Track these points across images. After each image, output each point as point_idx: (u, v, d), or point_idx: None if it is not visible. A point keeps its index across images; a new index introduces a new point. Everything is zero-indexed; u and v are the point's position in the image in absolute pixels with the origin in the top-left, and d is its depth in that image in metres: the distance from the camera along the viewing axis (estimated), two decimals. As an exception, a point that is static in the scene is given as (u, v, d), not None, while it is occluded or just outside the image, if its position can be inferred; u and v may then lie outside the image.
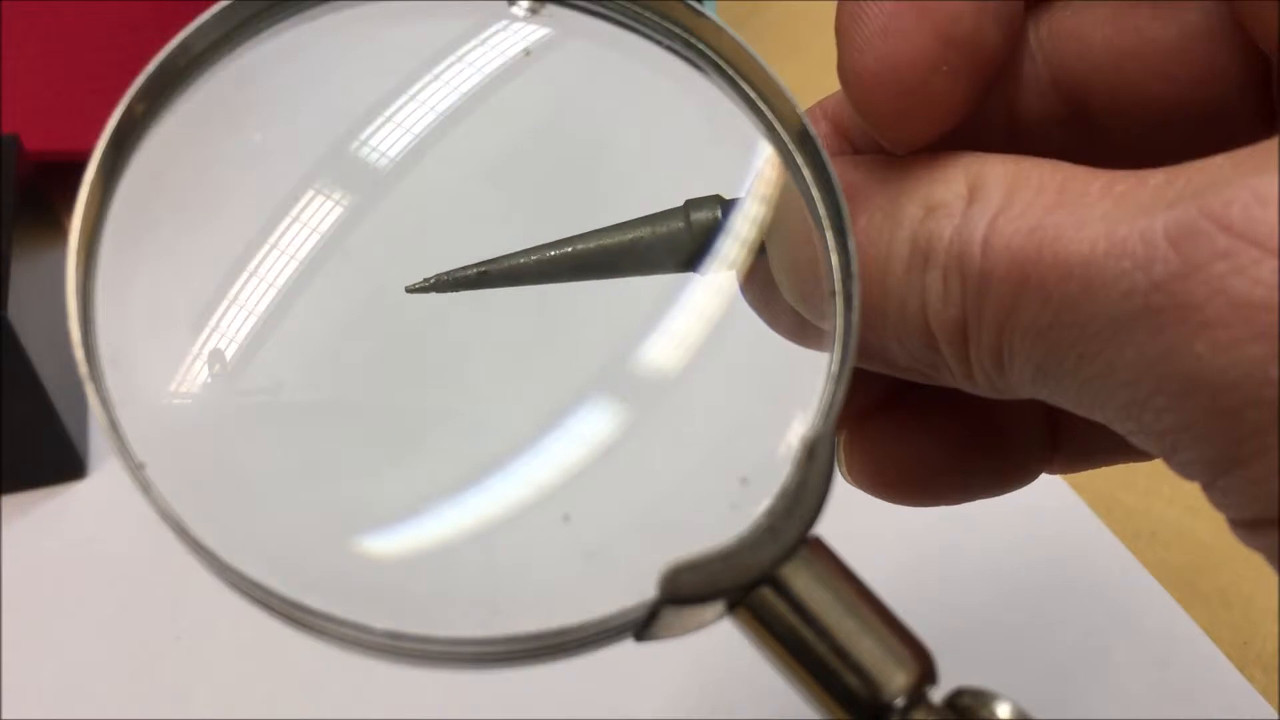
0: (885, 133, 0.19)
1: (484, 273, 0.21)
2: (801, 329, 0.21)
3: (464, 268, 0.21)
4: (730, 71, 0.21)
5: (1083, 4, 0.20)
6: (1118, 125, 0.21)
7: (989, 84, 0.20)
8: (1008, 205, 0.17)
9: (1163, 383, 0.16)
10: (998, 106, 0.21)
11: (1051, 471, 0.24)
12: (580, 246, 0.21)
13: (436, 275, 0.21)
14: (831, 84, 0.21)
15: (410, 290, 0.21)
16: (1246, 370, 0.15)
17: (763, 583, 0.17)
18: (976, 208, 0.17)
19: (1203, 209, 0.15)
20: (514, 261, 0.21)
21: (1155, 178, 0.16)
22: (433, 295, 0.22)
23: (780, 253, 0.21)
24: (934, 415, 0.23)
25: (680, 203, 0.22)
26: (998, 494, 0.24)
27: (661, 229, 0.21)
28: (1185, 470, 0.17)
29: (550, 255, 0.21)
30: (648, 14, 0.21)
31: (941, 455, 0.23)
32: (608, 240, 0.21)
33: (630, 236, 0.21)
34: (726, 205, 0.21)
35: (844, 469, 0.24)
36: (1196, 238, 0.15)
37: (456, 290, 0.21)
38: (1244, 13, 0.19)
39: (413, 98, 0.22)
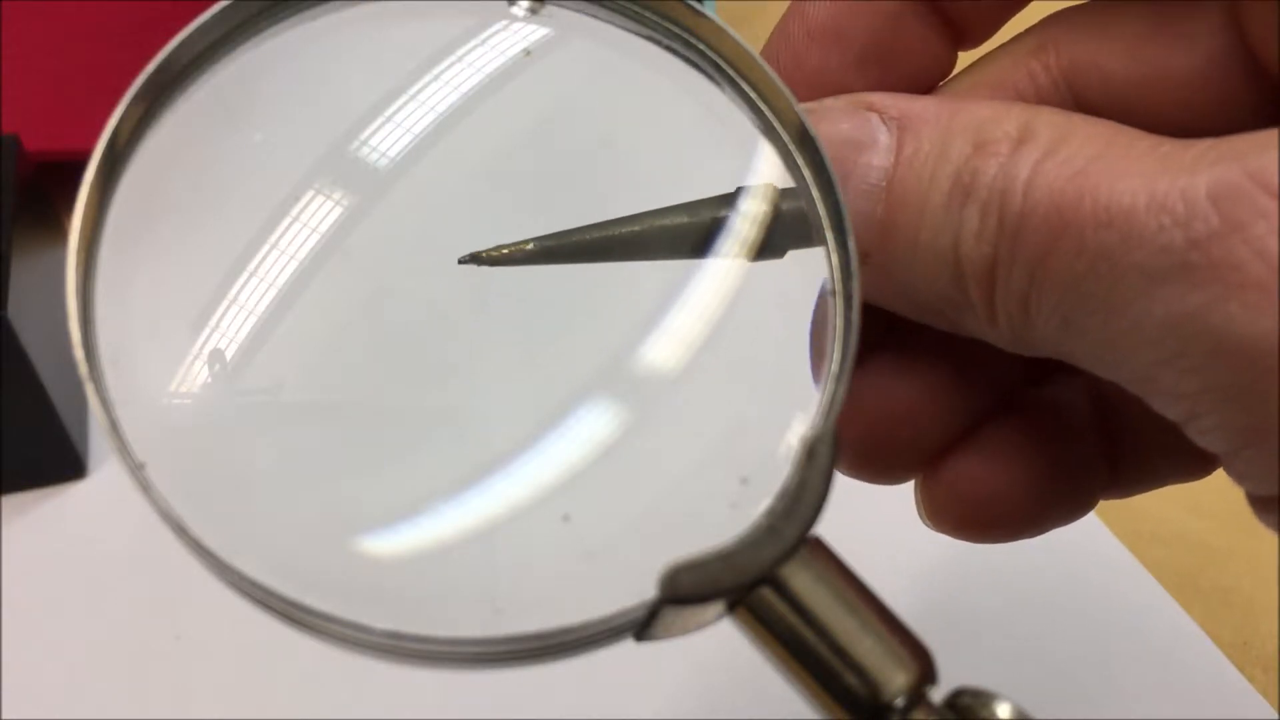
0: None
1: (544, 248, 0.21)
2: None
3: (521, 241, 0.21)
4: (730, 71, 0.21)
5: (1102, 37, 0.20)
6: None
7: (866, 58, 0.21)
8: (1055, 150, 0.17)
9: (1190, 342, 0.15)
10: None
11: (1108, 497, 0.24)
12: (640, 226, 0.21)
13: (488, 249, 0.21)
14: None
15: (462, 261, 0.21)
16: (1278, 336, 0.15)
17: (763, 583, 0.17)
18: (1025, 149, 0.17)
19: (1246, 169, 0.15)
20: (572, 238, 0.21)
21: (1202, 142, 0.16)
22: (434, 294, 0.22)
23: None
24: (1013, 451, 0.22)
25: (679, 198, 0.22)
26: (1066, 523, 0.23)
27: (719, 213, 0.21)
28: (1204, 439, 0.17)
29: (613, 233, 0.21)
30: (648, 14, 0.21)
31: (1023, 491, 0.23)
32: (669, 220, 0.21)
33: (689, 219, 0.21)
34: (781, 194, 0.21)
35: (925, 515, 0.23)
36: (1239, 197, 0.15)
37: (510, 265, 0.21)
38: (1255, 42, 0.19)
39: (413, 98, 0.22)
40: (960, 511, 0.23)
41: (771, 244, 0.21)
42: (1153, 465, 0.23)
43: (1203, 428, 0.16)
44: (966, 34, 0.22)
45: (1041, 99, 0.21)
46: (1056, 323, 0.17)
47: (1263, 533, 0.18)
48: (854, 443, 0.22)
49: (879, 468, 0.23)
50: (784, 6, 0.22)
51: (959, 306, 0.19)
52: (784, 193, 0.21)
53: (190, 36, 0.20)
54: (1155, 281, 0.16)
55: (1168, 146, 0.16)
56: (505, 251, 0.21)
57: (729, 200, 0.21)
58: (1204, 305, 0.15)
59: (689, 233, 0.21)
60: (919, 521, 0.25)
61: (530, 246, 0.21)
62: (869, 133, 0.19)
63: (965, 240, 0.18)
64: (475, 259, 0.21)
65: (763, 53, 0.22)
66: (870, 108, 0.19)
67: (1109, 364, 0.17)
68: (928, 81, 0.22)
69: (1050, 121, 0.18)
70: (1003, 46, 0.22)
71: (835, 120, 0.20)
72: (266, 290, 0.21)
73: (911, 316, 0.20)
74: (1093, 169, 0.17)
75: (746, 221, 0.21)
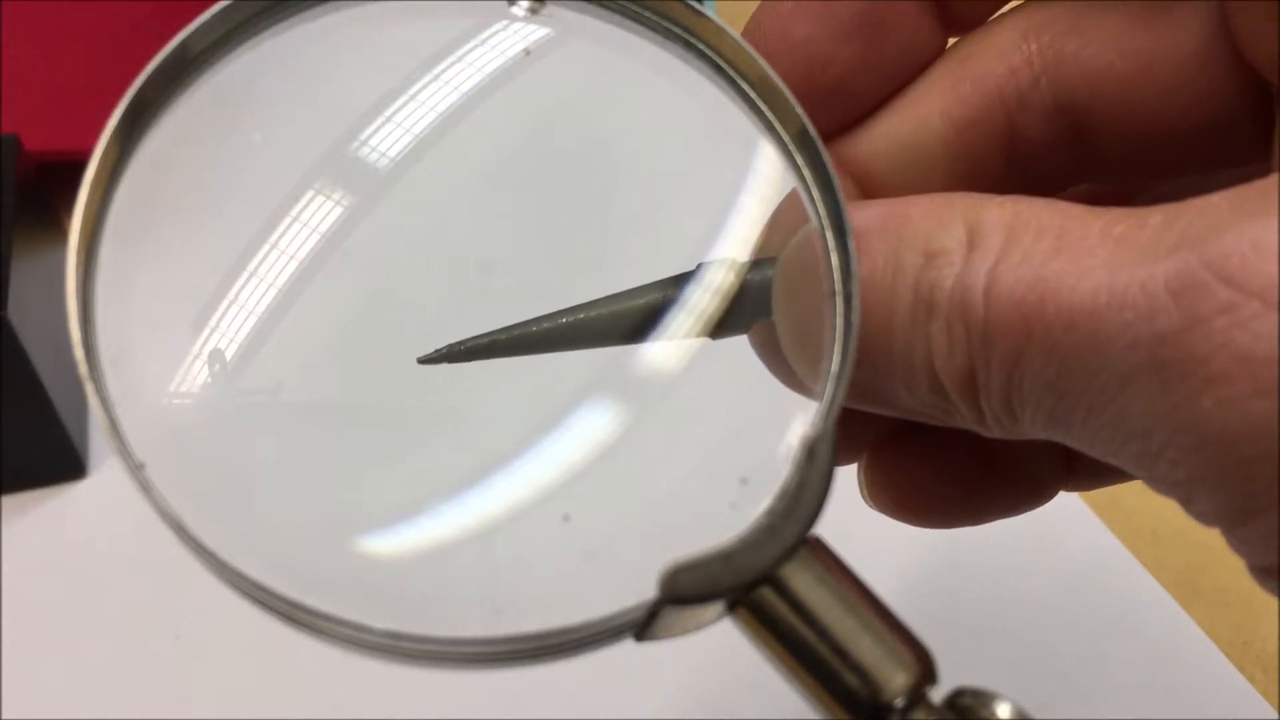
0: None
1: (494, 342, 0.21)
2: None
3: (474, 338, 0.21)
4: (730, 71, 0.21)
5: (1086, 28, 0.20)
6: (1120, 147, 0.21)
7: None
8: (1008, 252, 0.17)
9: (1174, 435, 0.15)
10: (998, 132, 0.21)
11: (1068, 489, 0.24)
12: (593, 313, 0.21)
13: (449, 345, 0.21)
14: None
15: (422, 361, 0.21)
16: (1253, 425, 0.15)
17: (763, 583, 0.17)
18: (976, 255, 0.17)
19: (1203, 259, 0.15)
20: (527, 330, 0.21)
21: (1154, 218, 0.16)
22: (434, 294, 0.22)
23: (789, 328, 0.21)
24: (953, 440, 0.22)
25: (680, 206, 0.22)
26: (1016, 514, 0.24)
27: (676, 293, 0.21)
28: (1203, 519, 0.17)
29: (563, 322, 0.21)
30: (648, 14, 0.21)
31: (961, 479, 0.23)
32: (621, 306, 0.21)
33: (644, 301, 0.21)
34: (740, 270, 0.21)
35: (865, 494, 0.24)
36: (1197, 290, 0.15)
37: (468, 360, 0.21)
38: (1240, 38, 0.19)
39: (413, 98, 0.22)
40: (898, 496, 0.23)
41: (735, 320, 0.21)
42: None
43: (1200, 510, 0.16)
44: (957, 19, 0.21)
45: (1022, 97, 0.21)
46: (1043, 419, 0.17)
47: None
48: None
49: None
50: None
51: (945, 410, 0.19)
52: (748, 266, 0.21)
53: (190, 37, 0.20)
54: (1128, 379, 0.16)
55: (1122, 227, 0.16)
56: (462, 348, 0.21)
57: (679, 281, 0.21)
58: (1179, 402, 0.15)
59: (638, 316, 0.21)
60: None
61: (462, 348, 0.21)
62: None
63: (938, 354, 0.18)
64: (436, 358, 0.21)
65: (749, 23, 0.21)
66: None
67: (1101, 452, 0.17)
68: (914, 62, 0.21)
69: (998, 218, 0.17)
70: (988, 31, 0.21)
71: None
72: (266, 290, 0.21)
73: (898, 417, 0.20)
74: (1049, 271, 0.16)
75: (707, 298, 0.21)
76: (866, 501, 0.24)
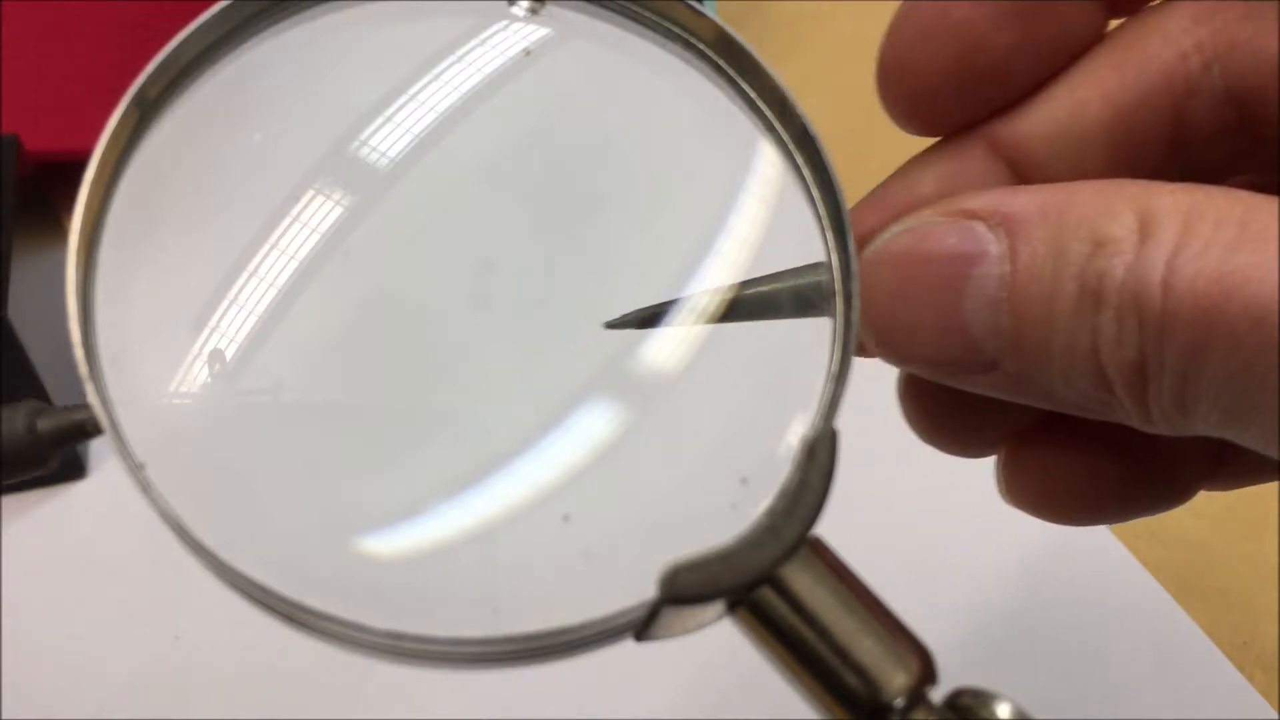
0: (899, 123, 0.21)
1: (659, 313, 0.21)
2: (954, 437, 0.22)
3: (656, 305, 0.21)
4: (730, 71, 0.21)
5: (1260, 14, 0.20)
6: None
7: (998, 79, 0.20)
8: (1186, 242, 0.16)
9: None
10: (1163, 119, 0.20)
11: (1210, 488, 0.23)
12: (765, 287, 0.21)
13: (635, 311, 0.21)
14: (831, 81, 0.21)
15: (609, 326, 0.21)
16: None
17: (763, 583, 0.17)
18: (1150, 245, 0.17)
19: None
20: (701, 299, 0.21)
21: None
22: (434, 294, 0.22)
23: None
24: (1099, 437, 0.22)
25: (680, 205, 0.22)
26: (1158, 512, 0.23)
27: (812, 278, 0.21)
28: None
29: (747, 294, 0.21)
30: (647, 14, 0.21)
31: (1108, 476, 0.22)
32: (776, 285, 0.21)
33: (790, 284, 0.21)
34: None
35: (1004, 491, 0.23)
36: None
37: (651, 326, 0.21)
38: None
39: (413, 98, 0.22)
40: (1040, 493, 0.23)
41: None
42: (1260, 461, 0.23)
43: None
44: (1119, 3, 0.21)
45: (1191, 83, 0.20)
46: (1218, 416, 0.17)
47: (1263, 533, 0.18)
48: (937, 417, 0.22)
49: (963, 441, 0.23)
50: (784, 7, 0.22)
51: (1106, 404, 0.18)
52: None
53: (190, 36, 0.20)
54: None
55: None
56: (647, 314, 0.21)
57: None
58: None
59: (805, 293, 0.21)
60: (920, 521, 0.25)
61: (648, 314, 0.21)
62: (978, 244, 0.18)
63: (1106, 346, 0.17)
64: (623, 323, 0.21)
65: (903, 5, 0.21)
66: (971, 215, 0.19)
67: None
68: (1074, 45, 0.21)
69: (1172, 207, 0.17)
70: (1154, 15, 0.21)
71: (941, 236, 0.19)
72: (266, 290, 0.21)
73: (1050, 409, 0.19)
74: (1235, 265, 0.16)
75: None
76: (1004, 498, 0.23)
